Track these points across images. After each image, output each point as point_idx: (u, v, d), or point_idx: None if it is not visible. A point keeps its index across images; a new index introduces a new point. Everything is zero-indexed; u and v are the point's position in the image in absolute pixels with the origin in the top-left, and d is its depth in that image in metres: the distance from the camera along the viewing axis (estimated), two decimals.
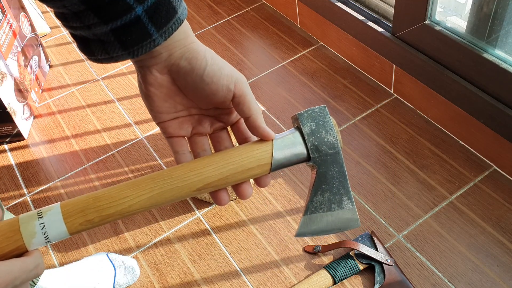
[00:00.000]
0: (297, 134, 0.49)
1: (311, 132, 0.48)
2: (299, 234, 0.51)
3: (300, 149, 0.48)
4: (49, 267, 1.13)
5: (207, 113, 0.51)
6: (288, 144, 0.48)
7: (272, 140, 0.48)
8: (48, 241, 0.41)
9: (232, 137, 0.54)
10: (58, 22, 1.87)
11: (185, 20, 0.46)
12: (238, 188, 0.49)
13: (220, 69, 0.47)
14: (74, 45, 1.76)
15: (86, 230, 0.41)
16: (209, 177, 0.46)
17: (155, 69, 0.47)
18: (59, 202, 0.43)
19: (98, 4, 0.42)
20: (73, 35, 0.46)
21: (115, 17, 0.42)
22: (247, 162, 0.47)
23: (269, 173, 0.48)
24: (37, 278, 0.96)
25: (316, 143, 0.48)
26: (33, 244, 0.41)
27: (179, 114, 0.50)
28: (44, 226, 0.41)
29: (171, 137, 0.51)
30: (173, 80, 0.48)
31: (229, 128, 0.53)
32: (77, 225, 0.42)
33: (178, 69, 0.47)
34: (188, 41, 0.47)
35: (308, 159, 0.48)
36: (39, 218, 0.41)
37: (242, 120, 0.51)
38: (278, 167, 0.48)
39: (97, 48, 0.45)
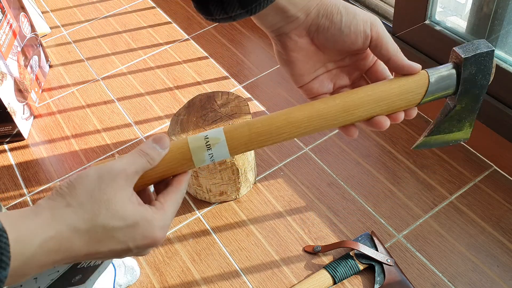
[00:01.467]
0: (454, 74, 0.50)
1: (469, 76, 0.49)
2: (418, 147, 0.55)
3: (451, 89, 0.50)
4: None
5: (343, 63, 0.52)
6: (440, 81, 0.49)
7: (426, 72, 0.49)
8: (212, 162, 0.48)
9: None
10: (58, 22, 1.87)
11: None
12: (373, 121, 0.49)
13: (354, 16, 0.47)
14: (74, 45, 1.76)
15: None
16: (360, 116, 0.48)
17: (294, 33, 0.48)
18: (222, 130, 0.48)
19: None
20: None
21: None
22: (402, 90, 0.48)
23: (418, 104, 0.49)
24: None
25: (469, 86, 0.49)
26: (199, 165, 0.48)
27: (318, 72, 0.51)
28: (212, 156, 0.47)
29: (315, 97, 0.52)
30: (312, 40, 0.49)
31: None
32: (239, 152, 0.48)
33: (317, 28, 0.48)
34: None
35: (453, 95, 0.50)
36: (207, 149, 0.47)
37: (378, 61, 0.52)
38: (426, 100, 0.49)
39: (216, 8, 0.45)
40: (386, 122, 0.49)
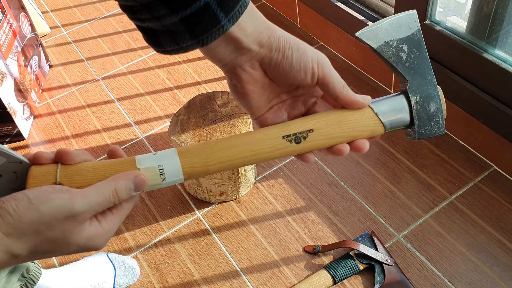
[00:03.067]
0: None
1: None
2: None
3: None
4: (49, 267, 1.13)
5: (297, 93, 0.52)
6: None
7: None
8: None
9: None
10: (58, 23, 1.87)
11: (250, 2, 0.46)
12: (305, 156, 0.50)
13: (304, 52, 0.48)
14: (74, 45, 1.76)
15: None
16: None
17: (248, 66, 0.48)
18: (179, 162, 0.46)
19: None
20: (139, 27, 0.46)
21: (184, 6, 0.42)
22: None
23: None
24: (37, 278, 0.96)
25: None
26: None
27: (273, 103, 0.52)
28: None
29: None
30: (265, 72, 0.49)
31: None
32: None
33: (270, 61, 0.48)
34: (271, 30, 0.47)
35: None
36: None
37: None
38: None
39: (166, 39, 0.45)
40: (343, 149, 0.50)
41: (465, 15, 1.21)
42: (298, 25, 1.70)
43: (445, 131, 0.53)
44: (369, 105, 0.50)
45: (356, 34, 0.51)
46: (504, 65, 1.08)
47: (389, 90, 1.43)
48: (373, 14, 1.42)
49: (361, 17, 1.40)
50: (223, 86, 1.54)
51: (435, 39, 1.21)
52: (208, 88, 1.54)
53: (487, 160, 1.24)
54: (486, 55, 1.11)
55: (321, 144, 0.49)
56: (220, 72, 1.58)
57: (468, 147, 1.27)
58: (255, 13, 0.46)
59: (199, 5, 0.42)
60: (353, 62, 1.53)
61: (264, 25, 0.47)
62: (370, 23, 1.38)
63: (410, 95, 0.51)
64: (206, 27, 0.43)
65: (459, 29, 1.20)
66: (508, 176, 1.20)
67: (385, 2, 1.40)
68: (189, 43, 0.44)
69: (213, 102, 1.17)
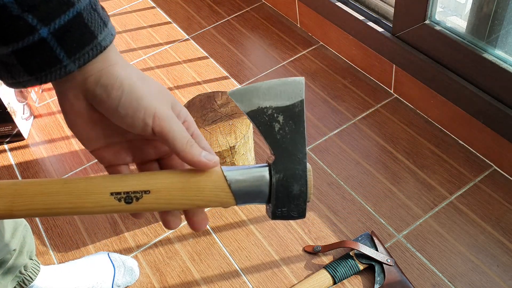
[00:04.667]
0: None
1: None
2: None
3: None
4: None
5: (146, 136, 0.43)
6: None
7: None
8: None
9: None
10: None
11: (112, 45, 0.41)
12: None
13: (138, 99, 0.40)
14: None
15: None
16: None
17: (71, 94, 0.42)
18: None
19: None
20: None
21: (16, 38, 0.37)
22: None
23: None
24: (35, 274, 0.96)
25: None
26: None
27: (112, 140, 0.45)
28: None
29: (111, 166, 0.46)
30: (92, 106, 0.42)
31: None
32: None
33: (93, 96, 0.41)
34: (106, 63, 0.41)
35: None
36: None
37: None
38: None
39: (2, 71, 0.40)
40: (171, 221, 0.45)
41: (465, 15, 1.21)
42: (298, 25, 1.70)
43: (305, 216, 0.45)
44: (223, 173, 0.43)
45: (228, 92, 0.44)
46: (504, 65, 1.08)
47: (389, 90, 1.43)
48: (373, 14, 1.42)
49: (361, 17, 1.40)
50: (223, 86, 1.54)
51: (435, 39, 1.21)
52: (208, 88, 1.54)
53: (487, 160, 1.24)
54: (486, 55, 1.11)
55: (157, 208, 0.43)
56: (220, 72, 1.58)
57: (468, 147, 1.27)
58: (110, 54, 0.41)
59: (32, 39, 0.37)
60: (353, 62, 1.53)
61: (106, 61, 0.41)
62: (370, 23, 1.38)
63: (272, 172, 0.44)
64: (44, 65, 0.38)
65: (459, 29, 1.20)
66: (508, 176, 1.20)
67: (385, 2, 1.40)
68: (25, 79, 0.39)
69: (213, 102, 1.17)
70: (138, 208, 0.42)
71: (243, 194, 0.43)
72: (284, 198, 0.44)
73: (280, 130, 0.44)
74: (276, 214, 0.44)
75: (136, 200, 0.42)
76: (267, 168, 0.45)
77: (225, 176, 0.43)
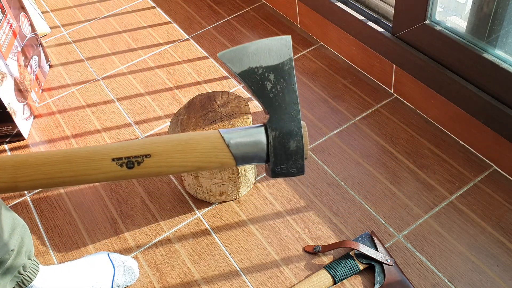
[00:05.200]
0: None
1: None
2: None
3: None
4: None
5: None
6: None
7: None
8: None
9: None
10: (58, 23, 1.87)
11: None
12: None
13: None
14: (74, 45, 1.76)
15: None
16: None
17: None
18: None
19: None
20: None
21: None
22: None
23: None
24: (34, 274, 0.96)
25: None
26: None
27: None
28: None
29: None
30: None
31: None
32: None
33: None
34: None
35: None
36: None
37: None
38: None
39: None
40: None
41: (465, 15, 1.21)
42: (298, 25, 1.70)
43: (304, 173, 0.47)
44: (221, 135, 0.45)
45: (218, 54, 0.46)
46: (504, 65, 1.08)
47: (389, 90, 1.43)
48: (373, 14, 1.42)
49: (361, 17, 1.40)
50: (223, 86, 1.54)
51: (435, 39, 1.21)
52: (208, 88, 1.54)
53: (487, 160, 1.24)
54: (486, 55, 1.11)
55: (159, 172, 0.44)
56: (220, 72, 1.58)
57: (468, 147, 1.27)
58: None
59: None
60: (353, 62, 1.53)
61: None
62: (370, 23, 1.38)
63: (268, 130, 0.45)
64: None
65: (459, 29, 1.20)
66: (508, 176, 1.20)
67: (385, 2, 1.40)
68: None
69: (213, 102, 1.17)
70: (140, 173, 0.43)
71: (241, 154, 0.45)
72: (282, 155, 0.45)
73: (272, 88, 0.46)
74: (275, 171, 0.46)
75: (137, 165, 0.42)
76: (263, 128, 0.46)
77: (223, 137, 0.44)
